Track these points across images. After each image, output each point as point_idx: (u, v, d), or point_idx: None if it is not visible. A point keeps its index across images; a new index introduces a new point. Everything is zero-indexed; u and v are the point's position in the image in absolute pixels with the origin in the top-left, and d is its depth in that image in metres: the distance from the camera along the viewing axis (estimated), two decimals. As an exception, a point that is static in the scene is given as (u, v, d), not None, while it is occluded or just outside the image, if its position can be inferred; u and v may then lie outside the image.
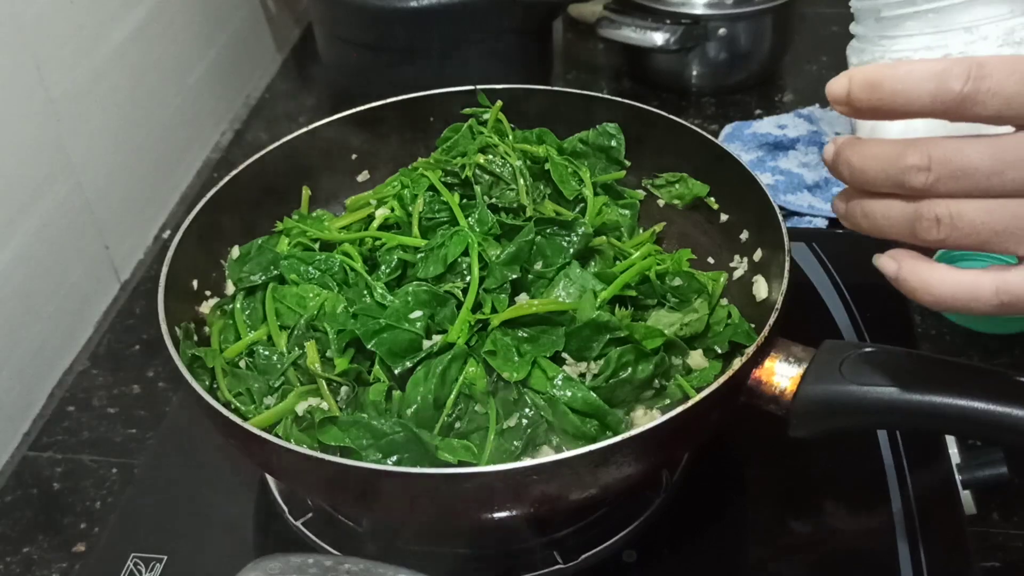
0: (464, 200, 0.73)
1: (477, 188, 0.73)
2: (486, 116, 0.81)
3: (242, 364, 0.67)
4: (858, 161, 0.46)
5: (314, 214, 0.80)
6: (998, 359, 0.84)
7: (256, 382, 0.65)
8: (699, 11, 1.13)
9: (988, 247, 0.44)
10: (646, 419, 0.63)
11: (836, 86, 0.45)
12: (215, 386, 0.66)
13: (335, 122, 0.81)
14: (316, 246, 0.74)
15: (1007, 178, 0.43)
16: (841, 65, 0.67)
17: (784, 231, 0.66)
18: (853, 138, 0.47)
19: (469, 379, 0.62)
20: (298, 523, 0.69)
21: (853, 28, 0.79)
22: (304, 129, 0.80)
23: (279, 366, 0.65)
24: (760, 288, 0.71)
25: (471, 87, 0.83)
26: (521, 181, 0.74)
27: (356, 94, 0.88)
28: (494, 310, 0.66)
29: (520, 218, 0.72)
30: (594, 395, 0.61)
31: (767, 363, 0.59)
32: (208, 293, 0.73)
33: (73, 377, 0.89)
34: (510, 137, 0.80)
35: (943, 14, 0.70)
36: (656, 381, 0.65)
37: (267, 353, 0.66)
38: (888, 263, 0.47)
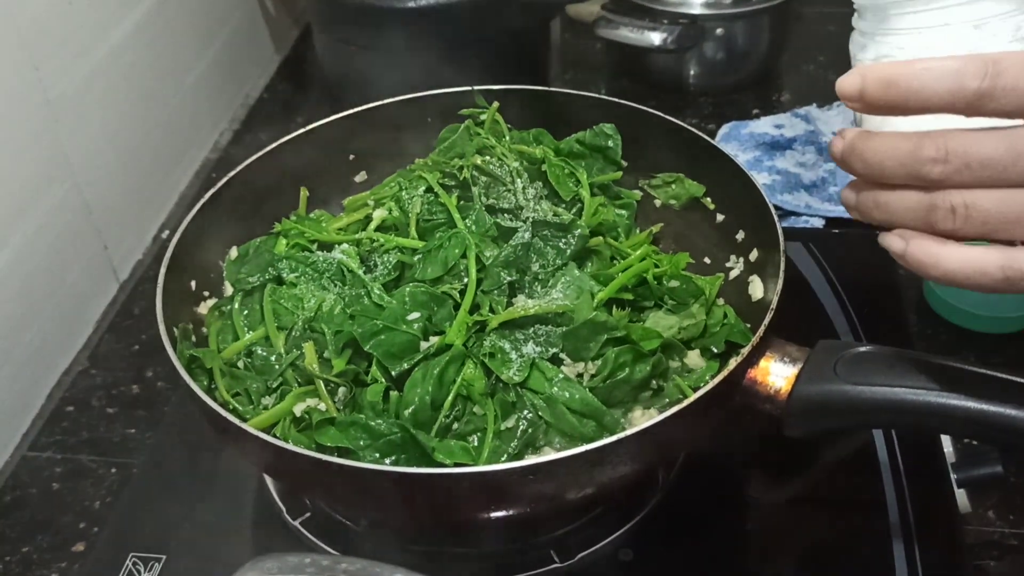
0: (462, 201, 0.73)
1: (475, 189, 0.73)
2: (483, 117, 0.81)
3: (240, 365, 0.67)
4: (873, 155, 0.46)
5: (312, 215, 0.80)
6: (992, 358, 0.84)
7: (254, 383, 0.65)
8: (696, 11, 1.13)
9: (996, 235, 0.45)
10: (644, 419, 0.63)
11: (848, 83, 0.46)
12: (213, 386, 0.66)
13: (333, 122, 0.81)
14: (314, 247, 0.74)
15: (1021, 168, 0.44)
16: (838, 64, 0.67)
17: (779, 231, 0.66)
18: (864, 131, 0.47)
19: (467, 380, 0.63)
20: (296, 523, 0.69)
21: (855, 22, 0.79)
22: (302, 129, 0.80)
23: (277, 367, 0.66)
24: (756, 288, 0.71)
25: (468, 87, 0.83)
26: (518, 182, 0.74)
27: (354, 94, 0.88)
28: (492, 311, 0.66)
29: (517, 219, 0.72)
30: (592, 395, 0.61)
31: (762, 363, 0.60)
32: (206, 294, 0.73)
33: (72, 377, 0.89)
34: (507, 138, 0.80)
35: (950, 11, 0.70)
36: (654, 382, 0.65)
37: (265, 354, 0.67)
38: (895, 241, 0.48)
